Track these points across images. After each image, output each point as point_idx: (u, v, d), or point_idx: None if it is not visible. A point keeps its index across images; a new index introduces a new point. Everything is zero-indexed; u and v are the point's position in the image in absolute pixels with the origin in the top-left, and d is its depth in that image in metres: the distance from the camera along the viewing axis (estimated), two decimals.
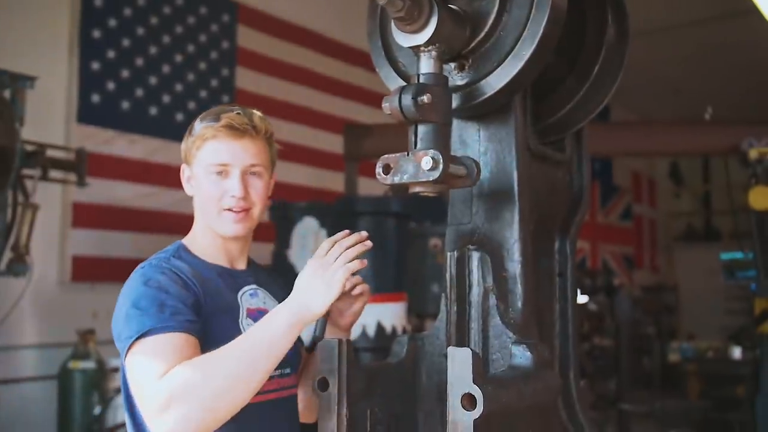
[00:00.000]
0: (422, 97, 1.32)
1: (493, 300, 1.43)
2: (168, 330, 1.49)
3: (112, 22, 6.17)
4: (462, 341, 1.45)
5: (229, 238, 1.73)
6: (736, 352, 8.18)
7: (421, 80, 1.36)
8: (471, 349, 1.16)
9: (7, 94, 3.65)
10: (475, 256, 1.46)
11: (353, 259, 1.52)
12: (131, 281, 1.60)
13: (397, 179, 1.34)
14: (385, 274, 4.93)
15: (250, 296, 1.76)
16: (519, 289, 1.45)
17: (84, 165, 4.12)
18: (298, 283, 1.53)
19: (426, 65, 1.38)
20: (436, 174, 1.29)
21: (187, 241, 1.77)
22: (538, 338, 1.45)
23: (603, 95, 1.65)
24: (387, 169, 1.35)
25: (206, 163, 1.69)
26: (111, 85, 6.10)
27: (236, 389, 1.44)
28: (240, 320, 1.69)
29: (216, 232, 1.72)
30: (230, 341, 1.49)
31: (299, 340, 1.85)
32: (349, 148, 6.75)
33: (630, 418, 7.66)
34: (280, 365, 1.69)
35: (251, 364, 1.45)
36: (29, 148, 3.79)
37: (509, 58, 1.39)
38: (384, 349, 4.59)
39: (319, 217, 5.01)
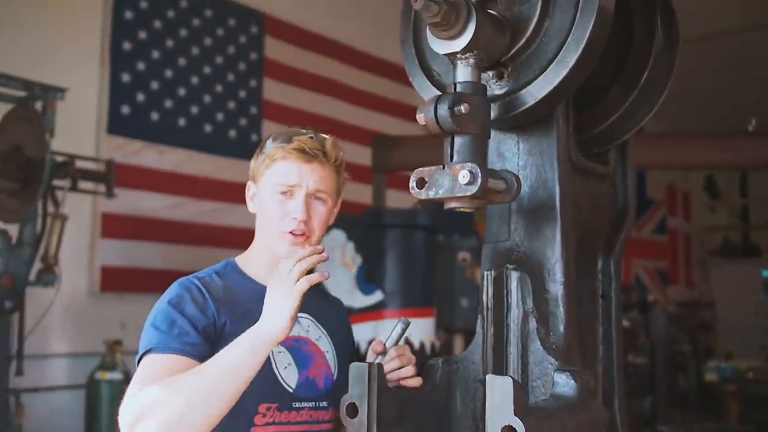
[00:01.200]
0: (459, 107, 1.24)
1: (533, 323, 1.35)
2: (167, 351, 1.52)
3: (143, 35, 6.20)
4: (500, 366, 1.36)
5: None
6: None
7: (458, 89, 1.29)
8: (512, 377, 1.08)
9: (39, 105, 3.65)
10: (514, 276, 1.38)
11: (307, 268, 1.48)
12: (163, 296, 1.63)
13: (432, 194, 1.26)
14: (413, 288, 4.86)
15: None
16: (561, 311, 1.36)
17: (113, 176, 4.12)
18: (264, 305, 1.50)
19: (463, 73, 1.30)
20: (474, 189, 1.21)
21: (240, 258, 1.77)
22: (581, 364, 1.36)
23: (651, 104, 1.56)
24: (421, 183, 1.28)
25: (273, 182, 1.69)
26: (141, 97, 6.12)
27: (197, 412, 1.42)
28: None
29: (272, 252, 1.69)
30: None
31: (345, 370, 1.75)
32: (377, 160, 6.68)
33: None
34: (316, 398, 1.65)
35: (213, 388, 1.43)
36: (59, 159, 3.78)
37: (552, 65, 1.31)
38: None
39: (347, 230, 4.95)
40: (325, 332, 1.76)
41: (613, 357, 1.54)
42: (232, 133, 7.05)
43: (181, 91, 6.53)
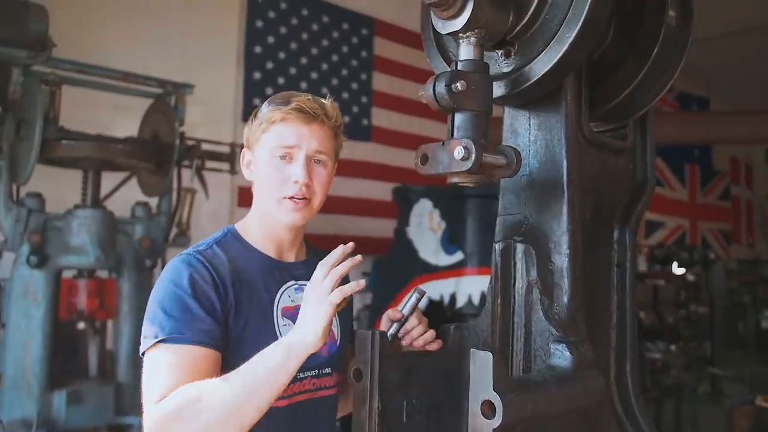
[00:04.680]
0: (456, 84, 1.03)
1: (536, 294, 1.13)
2: (183, 342, 1.23)
3: (271, 39, 6.20)
4: (505, 335, 1.16)
5: (284, 227, 1.41)
6: None
7: (459, 67, 1.08)
8: (492, 352, 0.88)
9: (172, 100, 3.69)
10: (520, 248, 1.16)
11: (342, 275, 1.18)
12: (163, 275, 1.33)
13: (433, 170, 1.07)
14: (490, 250, 4.60)
15: (294, 291, 1.41)
16: (566, 283, 1.13)
17: (235, 157, 4.10)
18: (299, 313, 1.22)
19: (465, 52, 1.09)
20: (468, 164, 1.01)
21: (239, 226, 1.45)
22: (585, 336, 1.13)
23: (666, 79, 1.27)
24: (424, 159, 1.08)
25: (271, 146, 1.37)
26: (270, 91, 6.12)
27: (230, 422, 1.16)
28: (274, 320, 1.36)
29: (271, 220, 1.40)
30: (262, 342, 1.21)
31: (347, 336, 1.50)
32: None
33: (722, 380, 6.87)
34: (318, 365, 1.39)
35: (247, 399, 1.16)
36: (191, 143, 3.81)
37: (553, 41, 1.07)
38: None
39: (433, 199, 4.76)
40: None
41: (626, 323, 1.29)
42: (346, 119, 6.96)
43: (303, 85, 6.49)
